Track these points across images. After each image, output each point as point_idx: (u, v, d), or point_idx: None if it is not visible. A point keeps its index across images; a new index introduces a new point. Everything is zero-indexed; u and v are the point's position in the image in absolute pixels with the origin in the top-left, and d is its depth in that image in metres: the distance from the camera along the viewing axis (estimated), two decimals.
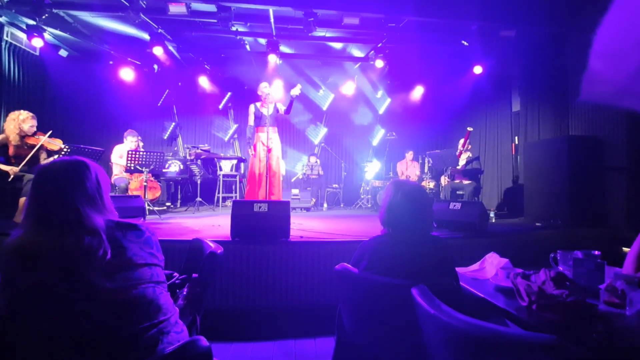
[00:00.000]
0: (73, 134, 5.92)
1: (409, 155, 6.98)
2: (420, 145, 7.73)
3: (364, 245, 1.53)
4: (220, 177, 6.21)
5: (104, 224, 1.03)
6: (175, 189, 6.61)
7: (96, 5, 4.68)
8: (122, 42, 5.85)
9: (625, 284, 1.13)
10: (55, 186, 1.02)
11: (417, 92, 7.59)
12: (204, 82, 7.08)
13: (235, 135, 7.91)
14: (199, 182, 6.07)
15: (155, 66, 6.65)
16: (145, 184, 4.52)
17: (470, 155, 5.88)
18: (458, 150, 5.81)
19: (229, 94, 7.75)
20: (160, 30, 5.26)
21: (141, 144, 5.36)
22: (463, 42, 5.46)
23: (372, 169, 7.20)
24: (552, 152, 4.58)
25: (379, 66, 5.97)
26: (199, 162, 6.47)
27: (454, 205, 3.58)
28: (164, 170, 5.78)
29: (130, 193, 4.88)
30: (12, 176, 3.56)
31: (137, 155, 4.50)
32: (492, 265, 1.62)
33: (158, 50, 5.35)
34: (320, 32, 5.35)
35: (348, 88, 7.37)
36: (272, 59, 5.65)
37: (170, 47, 5.96)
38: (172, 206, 6.28)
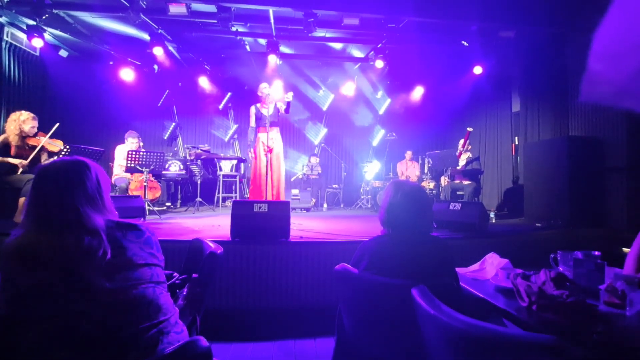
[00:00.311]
0: (73, 134, 5.91)
1: (408, 155, 6.98)
2: (420, 145, 7.72)
3: (363, 245, 1.53)
4: (220, 177, 6.21)
5: (104, 224, 1.03)
6: (175, 189, 6.61)
7: (96, 5, 4.69)
8: (122, 42, 5.86)
9: (625, 285, 1.13)
10: (55, 186, 1.02)
11: (417, 93, 7.58)
12: (204, 82, 7.08)
13: (235, 136, 7.90)
14: (199, 182, 6.07)
15: (156, 66, 6.65)
16: (145, 184, 4.52)
17: (470, 156, 5.87)
18: (458, 151, 5.81)
19: (229, 94, 7.75)
20: (160, 31, 5.27)
21: (141, 144, 5.36)
22: (463, 42, 5.46)
23: (372, 170, 7.20)
24: (552, 153, 4.58)
25: (379, 66, 5.97)
26: (199, 162, 6.48)
27: (454, 206, 3.58)
28: (163, 171, 5.78)
29: (130, 193, 4.89)
30: (20, 170, 3.58)
31: (137, 156, 4.51)
32: (492, 265, 1.62)
33: (158, 51, 5.35)
34: (320, 33, 5.35)
35: (348, 88, 7.37)
36: (272, 60, 5.65)
37: (171, 48, 5.97)
38: (172, 206, 6.28)
